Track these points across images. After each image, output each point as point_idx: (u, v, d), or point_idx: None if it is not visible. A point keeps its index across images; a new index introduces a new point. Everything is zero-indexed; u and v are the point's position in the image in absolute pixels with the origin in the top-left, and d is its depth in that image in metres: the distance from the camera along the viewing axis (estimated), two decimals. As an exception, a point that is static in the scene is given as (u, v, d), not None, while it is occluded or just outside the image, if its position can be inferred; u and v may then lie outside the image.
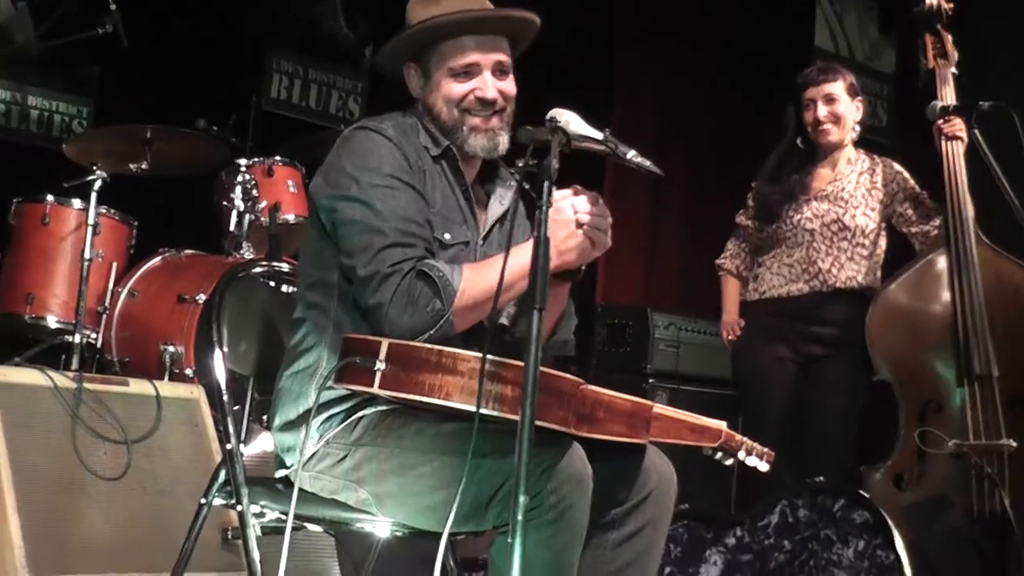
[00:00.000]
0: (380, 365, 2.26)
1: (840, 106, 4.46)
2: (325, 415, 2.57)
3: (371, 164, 2.57)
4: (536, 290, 2.13)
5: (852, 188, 4.49)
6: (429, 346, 2.29)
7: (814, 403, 4.47)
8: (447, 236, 2.65)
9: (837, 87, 4.46)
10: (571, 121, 2.40)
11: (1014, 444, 4.00)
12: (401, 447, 2.47)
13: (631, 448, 2.54)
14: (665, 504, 2.63)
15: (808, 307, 4.47)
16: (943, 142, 4.27)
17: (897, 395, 4.24)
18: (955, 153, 4.26)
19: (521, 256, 2.37)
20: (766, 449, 2.58)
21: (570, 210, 2.46)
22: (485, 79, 2.70)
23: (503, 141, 2.72)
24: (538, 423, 2.12)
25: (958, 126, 4.24)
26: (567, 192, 2.49)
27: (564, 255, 2.45)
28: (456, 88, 2.69)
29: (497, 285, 2.32)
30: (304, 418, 2.58)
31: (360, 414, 2.54)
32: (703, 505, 3.96)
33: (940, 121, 4.27)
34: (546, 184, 2.18)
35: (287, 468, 2.65)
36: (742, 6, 6.89)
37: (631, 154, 2.44)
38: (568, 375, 2.31)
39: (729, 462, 2.54)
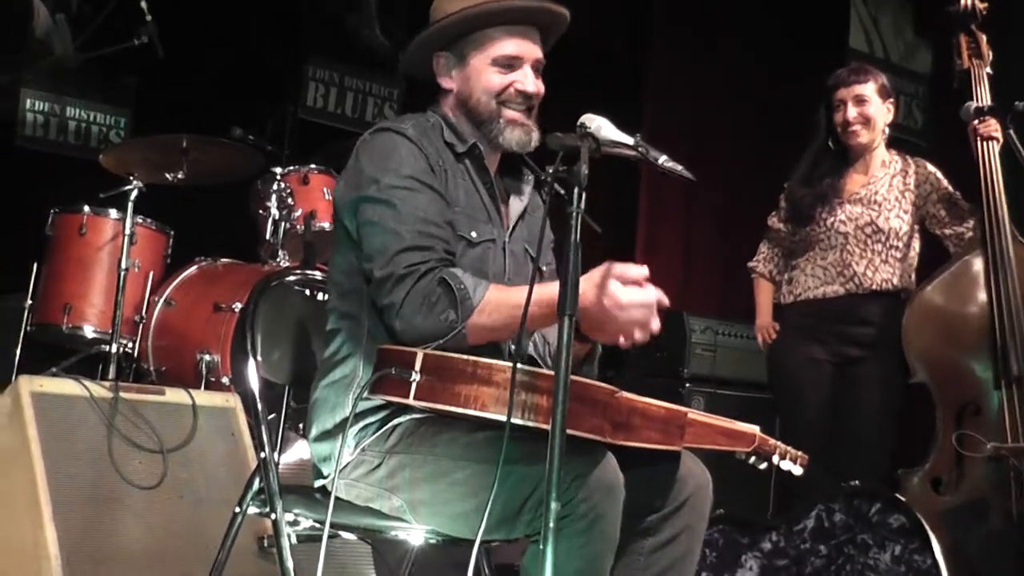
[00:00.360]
0: (415, 376, 2.26)
1: (870, 107, 4.42)
2: (361, 424, 2.57)
3: (391, 165, 2.57)
4: (567, 296, 2.12)
5: (885, 191, 4.45)
6: (465, 357, 2.28)
7: (850, 405, 4.44)
8: (473, 234, 2.64)
9: (868, 88, 4.43)
10: (602, 127, 2.39)
11: None
12: (435, 454, 2.47)
13: (666, 454, 2.53)
14: (701, 510, 2.62)
15: (844, 308, 4.44)
16: (978, 142, 4.24)
17: (934, 397, 4.21)
18: (991, 153, 4.22)
19: (548, 291, 2.34)
20: (800, 453, 2.55)
21: (619, 294, 2.41)
22: (526, 72, 2.70)
23: (536, 137, 2.71)
24: (572, 432, 2.13)
25: (993, 126, 4.21)
26: (622, 270, 2.44)
27: (594, 332, 2.45)
28: (497, 79, 2.68)
29: (519, 315, 2.27)
30: (340, 428, 2.59)
31: (395, 422, 2.54)
32: (739, 510, 3.93)
33: (975, 121, 4.24)
34: (576, 189, 2.17)
35: (324, 478, 2.66)
36: (776, 8, 6.86)
37: (662, 159, 2.44)
38: (603, 384, 2.30)
39: (763, 466, 2.52)
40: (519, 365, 2.21)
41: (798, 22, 6.87)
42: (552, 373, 2.16)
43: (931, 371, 4.21)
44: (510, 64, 2.69)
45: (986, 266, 4.17)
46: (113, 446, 3.47)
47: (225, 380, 4.52)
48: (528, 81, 2.70)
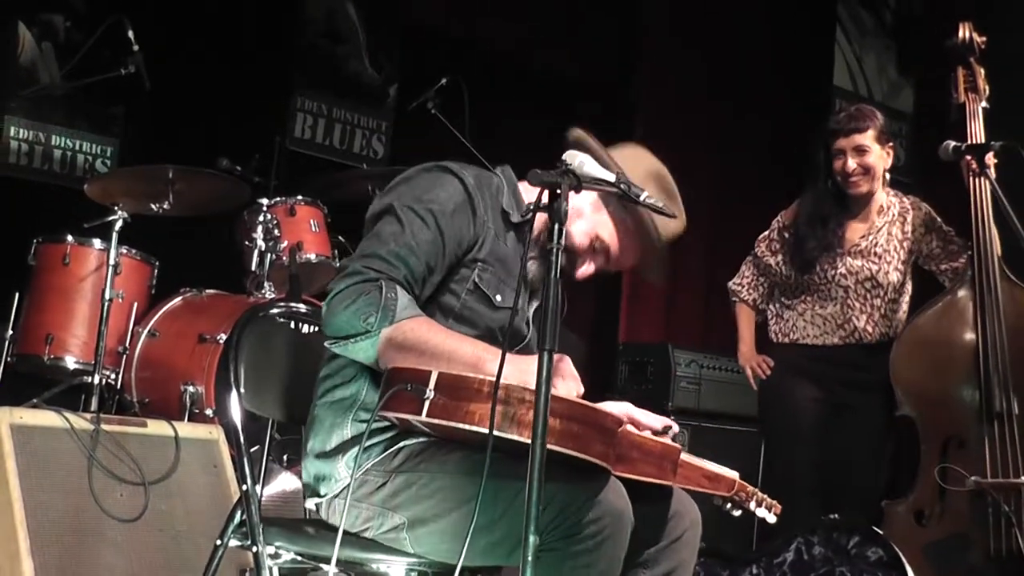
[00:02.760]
0: (429, 394, 2.27)
1: (870, 157, 4.36)
2: (367, 444, 2.56)
3: (425, 195, 2.60)
4: (547, 331, 2.14)
5: (884, 242, 4.45)
6: (478, 376, 2.29)
7: (845, 447, 4.43)
8: (499, 298, 2.66)
9: (867, 137, 4.35)
10: (584, 163, 2.42)
11: None
12: (444, 471, 2.48)
13: (662, 490, 2.59)
14: (694, 545, 2.68)
15: (845, 357, 4.46)
16: (971, 178, 4.25)
17: (919, 430, 4.22)
18: (982, 189, 4.23)
19: (477, 355, 2.43)
20: (774, 502, 2.66)
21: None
22: (599, 255, 2.74)
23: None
24: (582, 456, 2.19)
25: (987, 160, 4.22)
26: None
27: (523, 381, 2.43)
28: (585, 247, 2.70)
29: (435, 354, 2.39)
30: (340, 449, 2.60)
31: (402, 444, 2.56)
32: (721, 542, 3.94)
33: (968, 157, 4.24)
34: (556, 226, 2.18)
35: (320, 496, 2.65)
36: (764, 46, 6.92)
37: (644, 195, 2.45)
38: (613, 413, 2.36)
39: (737, 513, 2.62)
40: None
41: (785, 60, 6.93)
42: (564, 397, 2.24)
43: (917, 403, 4.22)
44: (603, 253, 2.73)
45: (974, 301, 4.19)
46: (94, 478, 3.46)
47: (209, 412, 4.51)
48: (589, 268, 2.73)
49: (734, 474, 2.55)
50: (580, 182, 2.31)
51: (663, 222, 2.69)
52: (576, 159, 2.41)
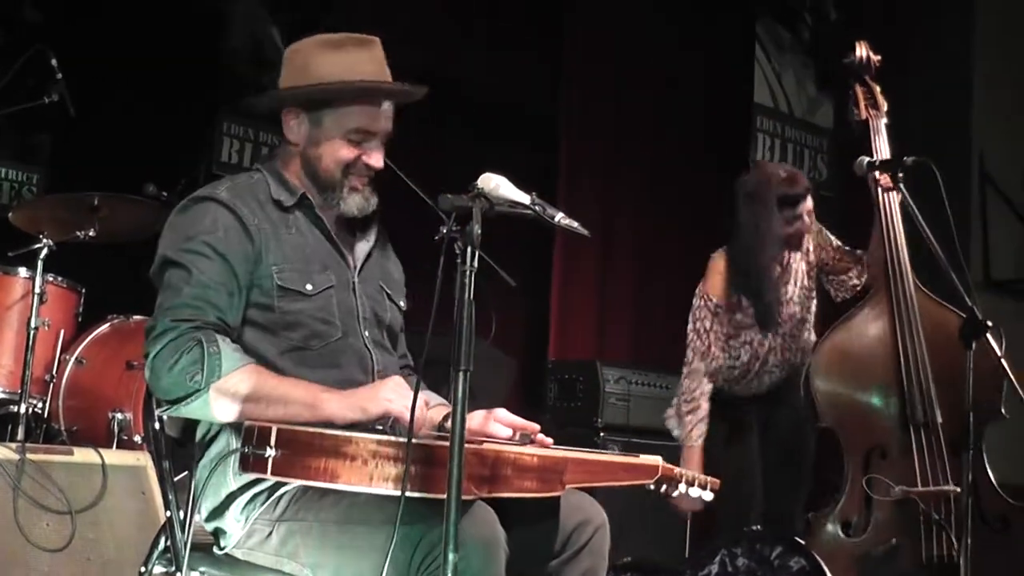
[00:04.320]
0: (271, 452, 2.25)
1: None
2: (249, 495, 2.58)
3: (191, 232, 2.60)
4: (461, 352, 2.18)
5: (804, 280, 4.56)
6: (313, 430, 2.29)
7: (775, 458, 4.54)
8: (308, 287, 2.67)
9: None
10: (500, 185, 2.43)
11: (959, 490, 4.03)
12: (320, 520, 2.48)
13: (552, 502, 2.57)
14: (601, 551, 2.67)
15: (778, 385, 4.56)
16: (880, 193, 4.34)
17: (841, 441, 4.25)
18: (891, 204, 4.32)
19: (312, 394, 2.48)
20: (709, 478, 2.63)
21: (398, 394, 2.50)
22: (376, 147, 2.76)
23: (374, 201, 2.79)
24: (434, 496, 2.18)
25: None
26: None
27: (355, 409, 2.49)
28: (347, 151, 2.73)
29: (271, 403, 2.42)
30: (228, 502, 2.60)
31: (282, 491, 2.55)
32: (646, 556, 3.99)
33: (876, 173, 4.33)
34: (468, 249, 2.22)
35: (221, 550, 2.66)
36: (683, 65, 7.00)
37: (559, 216, 2.49)
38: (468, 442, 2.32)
39: (675, 493, 2.58)
40: (371, 436, 2.26)
41: (705, 78, 7.03)
42: (401, 440, 2.24)
43: (838, 416, 4.27)
44: (364, 138, 2.74)
45: (890, 314, 4.26)
46: (19, 509, 3.45)
47: (138, 439, 4.49)
48: (375, 157, 2.75)
49: (656, 459, 2.52)
50: (492, 205, 2.36)
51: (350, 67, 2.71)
52: (491, 181, 2.43)
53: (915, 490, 4.07)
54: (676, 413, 4.47)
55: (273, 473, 2.27)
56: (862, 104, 4.49)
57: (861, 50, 4.53)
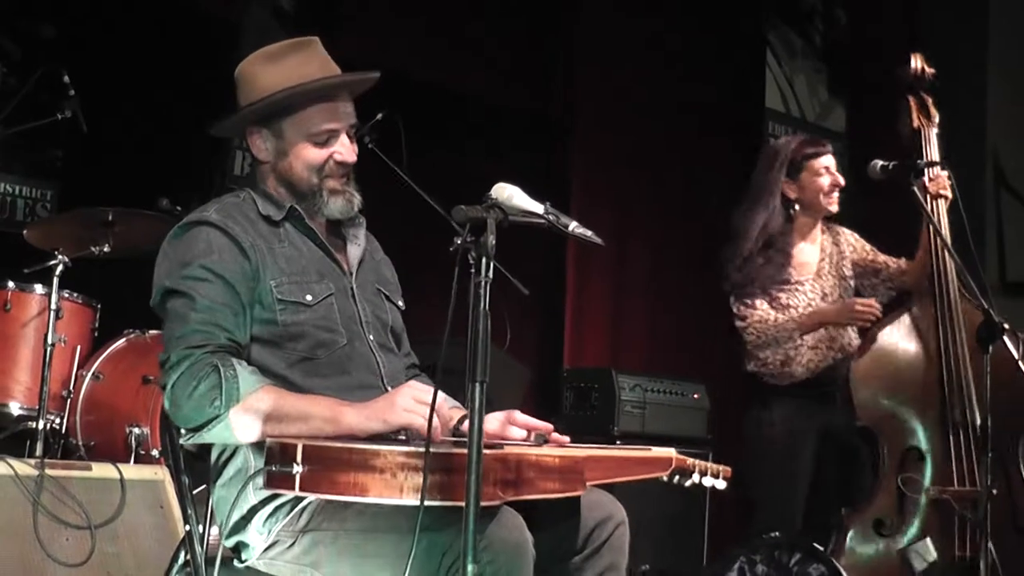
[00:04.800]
0: (298, 468, 2.26)
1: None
2: (272, 507, 2.59)
3: (187, 258, 2.61)
4: (477, 362, 2.18)
5: (840, 267, 4.60)
6: (340, 445, 2.29)
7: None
8: (308, 297, 2.68)
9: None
10: (513, 195, 2.43)
11: (995, 492, 4.05)
12: (345, 529, 2.49)
13: (574, 500, 2.59)
14: (621, 547, 2.69)
15: (832, 376, 4.53)
16: (928, 199, 4.34)
17: (879, 441, 4.28)
18: (939, 211, 4.35)
19: (331, 408, 2.48)
20: (721, 467, 2.64)
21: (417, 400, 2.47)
22: (344, 142, 2.77)
23: (357, 201, 2.81)
24: (460, 504, 2.17)
25: (942, 183, 4.34)
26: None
27: (376, 420, 2.48)
28: (315, 153, 2.75)
29: (292, 420, 2.43)
30: (248, 517, 2.60)
31: (305, 502, 2.56)
32: (666, 563, 3.99)
33: (925, 179, 4.35)
34: (483, 259, 2.23)
35: (243, 562, 2.66)
36: (695, 72, 7.01)
37: (572, 225, 2.49)
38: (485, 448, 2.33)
39: (688, 483, 2.59)
40: (398, 448, 2.26)
41: (717, 82, 7.03)
42: (437, 451, 2.23)
43: (877, 416, 4.28)
44: (327, 139, 2.75)
45: (933, 317, 4.29)
46: (39, 524, 3.46)
47: (155, 453, 4.50)
48: (346, 151, 2.77)
49: (669, 451, 2.53)
50: (507, 215, 2.36)
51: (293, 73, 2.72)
52: (505, 191, 2.43)
53: (950, 489, 4.11)
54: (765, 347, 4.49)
55: (301, 489, 2.27)
56: (915, 114, 4.54)
57: (916, 62, 4.60)
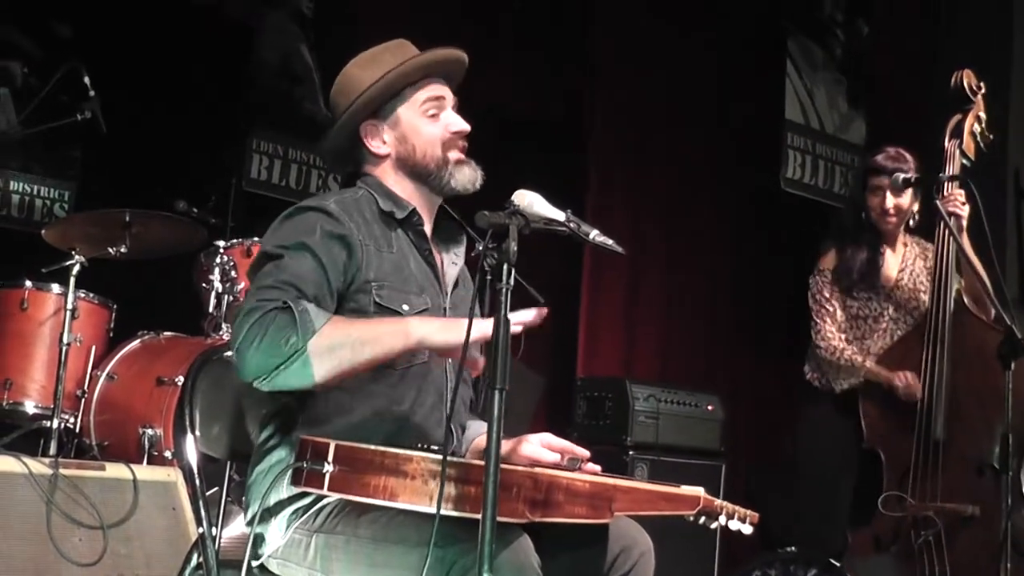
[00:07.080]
0: (328, 467, 2.25)
1: (904, 198, 4.46)
2: (294, 507, 2.57)
3: (290, 235, 2.60)
4: (497, 370, 2.16)
5: (919, 275, 4.55)
6: (374, 448, 2.27)
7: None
8: (405, 307, 2.64)
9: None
10: (534, 203, 2.41)
11: (978, 510, 4.04)
12: (357, 536, 2.48)
13: (600, 527, 2.56)
14: (645, 575, 2.66)
15: None
16: (945, 215, 4.30)
17: (883, 460, 4.28)
18: (949, 228, 4.30)
19: (398, 324, 2.47)
20: (748, 512, 2.57)
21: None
22: (452, 112, 2.78)
23: (481, 175, 2.77)
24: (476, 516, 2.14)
25: (954, 201, 4.30)
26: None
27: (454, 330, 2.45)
28: (434, 127, 2.75)
29: (362, 344, 2.40)
30: (274, 511, 2.59)
31: (324, 503, 2.55)
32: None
33: (939, 198, 4.33)
34: (505, 267, 2.22)
35: (258, 557, 2.66)
36: (715, 80, 7.00)
37: (593, 233, 2.48)
38: (517, 466, 2.32)
39: (713, 525, 2.54)
40: (429, 455, 2.24)
41: (736, 94, 7.01)
42: (460, 461, 2.23)
43: (881, 436, 4.30)
44: (438, 104, 2.76)
45: (925, 335, 4.27)
46: (52, 523, 3.46)
47: (168, 454, 4.50)
48: (457, 120, 2.77)
49: (698, 490, 2.46)
50: (528, 222, 2.35)
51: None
52: (525, 198, 2.41)
53: (935, 505, 4.08)
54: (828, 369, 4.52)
55: (330, 489, 2.27)
56: (965, 133, 4.48)
57: (968, 79, 4.54)
